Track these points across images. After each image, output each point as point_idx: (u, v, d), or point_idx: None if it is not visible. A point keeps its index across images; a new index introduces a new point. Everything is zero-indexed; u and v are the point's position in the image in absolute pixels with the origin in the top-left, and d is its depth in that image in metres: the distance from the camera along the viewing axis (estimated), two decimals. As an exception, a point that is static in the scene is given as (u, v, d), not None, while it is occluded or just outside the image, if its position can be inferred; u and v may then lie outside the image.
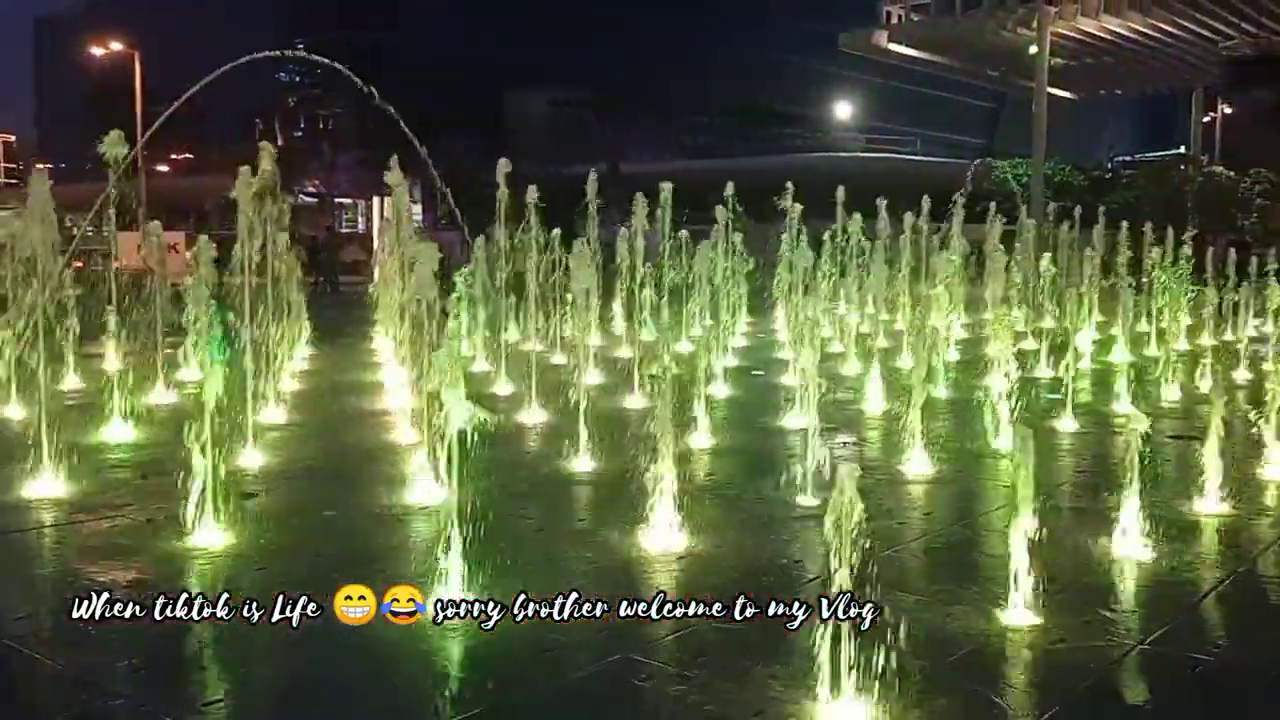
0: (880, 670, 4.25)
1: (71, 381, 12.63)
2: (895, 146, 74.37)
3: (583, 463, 8.78)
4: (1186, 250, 19.66)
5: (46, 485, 7.82)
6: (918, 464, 8.73)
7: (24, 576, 6.27)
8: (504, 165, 14.00)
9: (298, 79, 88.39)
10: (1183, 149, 57.57)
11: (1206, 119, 56.95)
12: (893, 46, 51.03)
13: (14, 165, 72.55)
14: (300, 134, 67.93)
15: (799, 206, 18.28)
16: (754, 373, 14.93)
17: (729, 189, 19.40)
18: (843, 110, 76.28)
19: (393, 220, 11.14)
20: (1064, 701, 4.49)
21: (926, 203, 21.50)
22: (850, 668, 4.20)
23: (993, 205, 22.12)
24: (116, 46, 52.81)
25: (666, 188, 18.60)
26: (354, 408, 11.92)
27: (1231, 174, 43.86)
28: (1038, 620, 5.24)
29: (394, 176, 9.99)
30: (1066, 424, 10.72)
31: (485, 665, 4.88)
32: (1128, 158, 58.44)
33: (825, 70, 77.04)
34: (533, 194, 14.70)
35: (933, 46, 51.05)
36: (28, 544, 6.88)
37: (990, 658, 4.93)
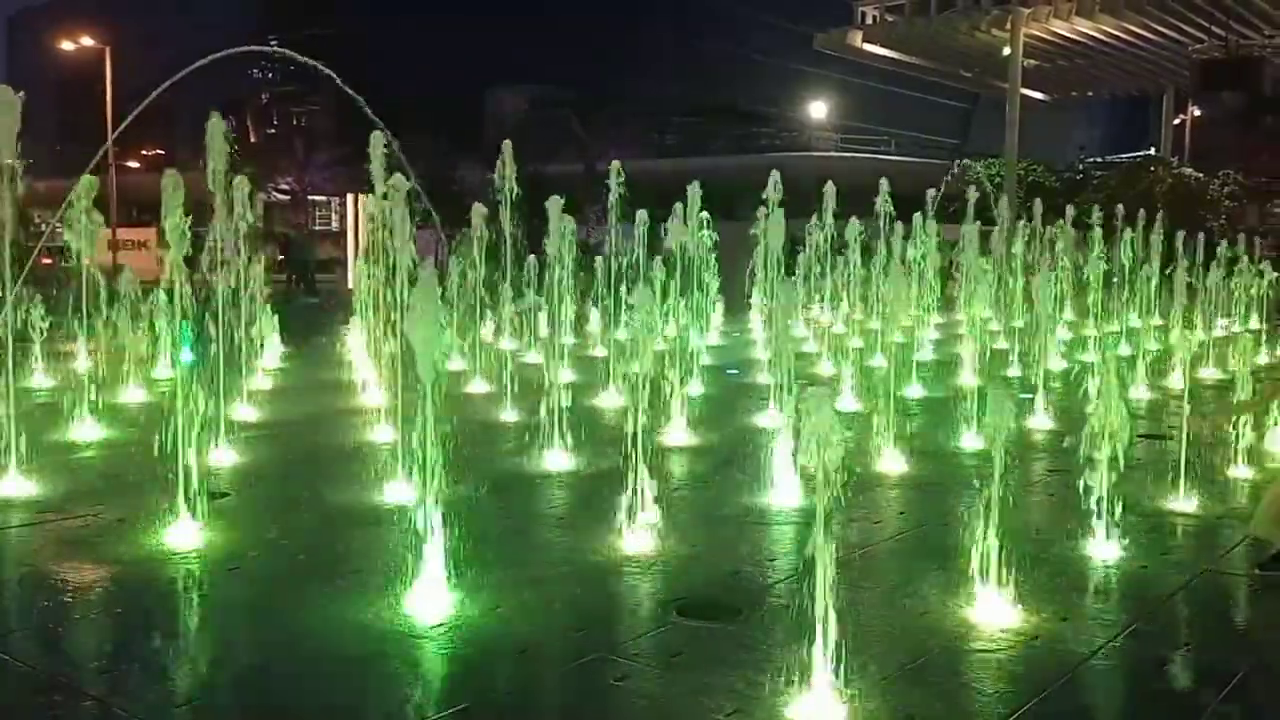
0: (854, 667, 4.30)
1: (41, 380, 12.54)
2: (869, 146, 74.64)
3: (558, 460, 8.79)
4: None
5: (16, 484, 7.75)
6: (890, 463, 8.79)
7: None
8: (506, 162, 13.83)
9: (270, 75, 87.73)
10: (1153, 150, 58.07)
11: (1176, 121, 57.50)
12: (867, 46, 51.21)
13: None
14: (273, 131, 67.40)
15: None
16: (728, 372, 14.98)
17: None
18: (818, 110, 76.49)
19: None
20: (1038, 697, 4.53)
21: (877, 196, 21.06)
22: (826, 665, 4.24)
23: (973, 193, 22.12)
24: (87, 42, 52.26)
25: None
26: (329, 407, 11.87)
27: (1200, 176, 44.33)
28: (1013, 617, 5.28)
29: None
30: (1038, 421, 10.82)
31: (463, 665, 4.87)
32: (1099, 159, 58.91)
33: (801, 70, 77.31)
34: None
35: (907, 47, 51.27)
36: (-3, 544, 6.81)
37: (965, 654, 4.96)
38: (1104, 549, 6.39)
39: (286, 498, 7.99)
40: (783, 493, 7.57)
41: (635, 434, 6.45)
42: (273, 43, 59.24)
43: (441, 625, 5.18)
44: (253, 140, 60.61)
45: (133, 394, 11.84)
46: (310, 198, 60.82)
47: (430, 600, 5.33)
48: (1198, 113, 56.97)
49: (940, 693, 4.54)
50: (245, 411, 10.78)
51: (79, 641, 5.08)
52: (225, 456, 8.85)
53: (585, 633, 5.22)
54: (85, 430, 9.87)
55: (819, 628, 4.22)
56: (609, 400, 11.72)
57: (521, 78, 77.88)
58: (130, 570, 6.06)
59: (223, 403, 9.16)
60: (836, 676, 4.28)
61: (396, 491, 7.40)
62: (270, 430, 10.48)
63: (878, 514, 7.53)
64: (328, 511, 7.40)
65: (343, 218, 53.22)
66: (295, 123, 65.78)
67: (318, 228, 59.78)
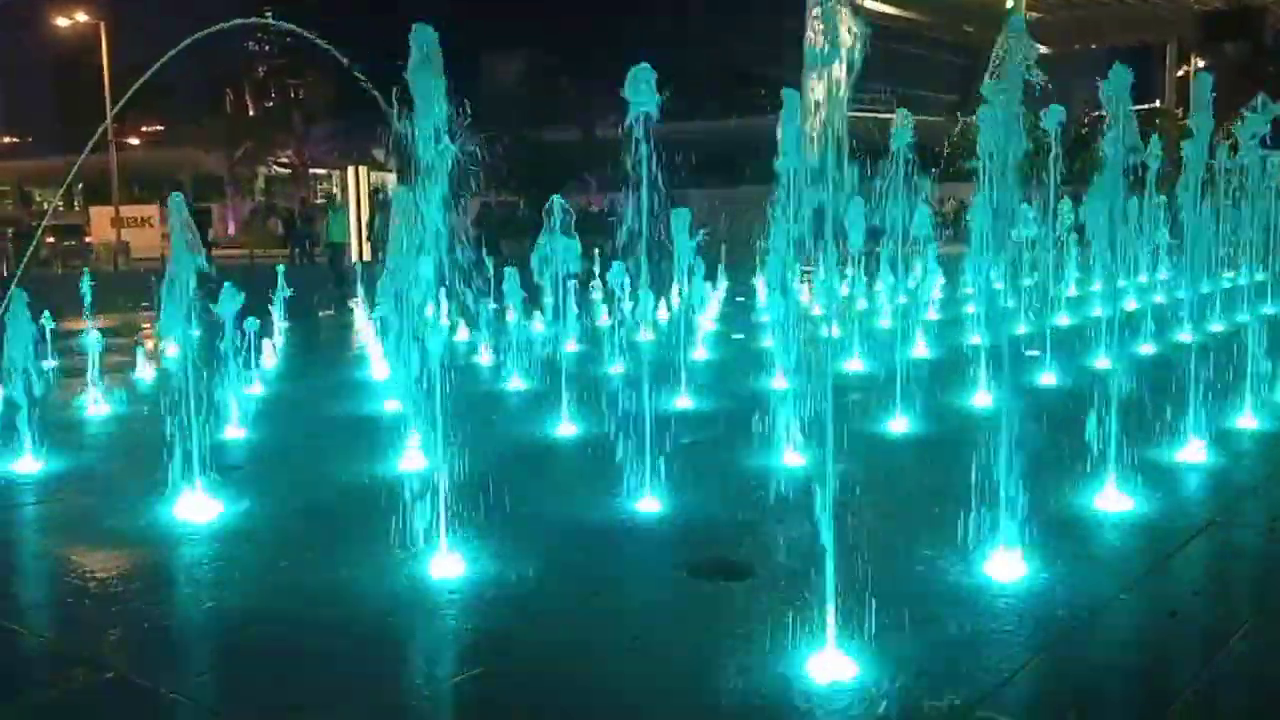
0: (865, 623, 4.35)
1: (49, 358, 12.58)
2: (871, 105, 74.09)
3: (565, 428, 8.83)
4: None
5: (28, 461, 7.80)
6: (899, 423, 8.81)
7: (7, 553, 6.27)
8: None
9: (267, 48, 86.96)
10: (1157, 103, 57.68)
11: (1180, 73, 57.08)
12: (867, 3, 50.78)
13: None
14: (271, 104, 66.97)
15: None
16: (734, 336, 15.00)
17: None
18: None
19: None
20: (1047, 648, 4.56)
21: None
22: (835, 620, 4.28)
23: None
24: (82, 17, 51.97)
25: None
26: (338, 379, 11.91)
27: (1205, 127, 44.04)
28: (1021, 569, 5.32)
29: None
30: (1045, 377, 10.82)
31: (477, 629, 4.91)
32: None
33: (799, 29, 76.52)
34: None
35: (908, 1, 50.88)
36: (9, 521, 6.87)
37: (973, 606, 4.99)
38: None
39: (299, 470, 8.04)
40: (793, 452, 7.60)
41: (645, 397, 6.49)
42: (268, 15, 58.78)
43: (455, 590, 5.23)
44: (252, 114, 60.34)
45: (144, 371, 11.89)
46: (312, 171, 60.62)
47: (443, 565, 5.39)
48: (1201, 65, 56.51)
49: (952, 646, 4.58)
50: (257, 386, 10.81)
51: (96, 615, 5.12)
52: (238, 430, 8.88)
53: (598, 594, 5.27)
54: (97, 406, 9.92)
55: (829, 585, 4.26)
56: (616, 368, 11.75)
57: (516, 42, 77.24)
58: (144, 543, 6.11)
59: (233, 377, 9.17)
60: (847, 633, 4.32)
61: (409, 459, 7.43)
62: (282, 403, 10.52)
63: (890, 471, 7.54)
64: (341, 481, 7.44)
65: (344, 190, 53.11)
66: (293, 95, 65.32)
67: (320, 201, 59.58)
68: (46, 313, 12.24)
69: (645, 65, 6.23)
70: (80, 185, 57.99)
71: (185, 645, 4.91)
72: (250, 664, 4.65)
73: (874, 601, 4.39)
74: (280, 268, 16.80)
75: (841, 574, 4.30)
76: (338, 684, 4.38)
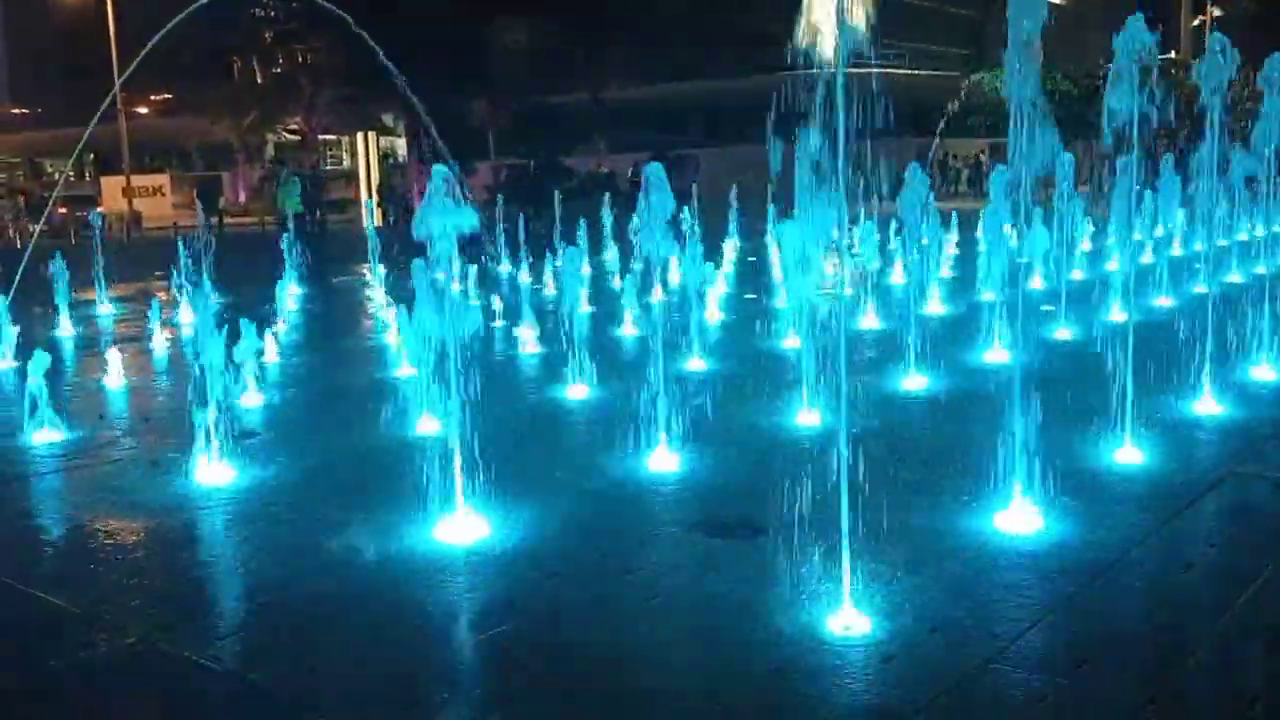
0: (880, 579, 4.36)
1: (65, 327, 12.64)
2: (882, 61, 73.20)
3: (578, 389, 8.84)
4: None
5: (47, 430, 7.86)
6: (913, 378, 8.80)
7: (30, 520, 6.33)
8: None
9: (273, 14, 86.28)
10: (1173, 54, 56.86)
11: (1196, 22, 56.25)
12: (877, -42, 50.13)
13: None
14: (279, 70, 66.48)
15: None
16: (746, 297, 14.94)
17: None
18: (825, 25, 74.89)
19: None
20: (1064, 601, 4.58)
21: None
22: (851, 578, 4.30)
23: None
24: (86, -13, 51.62)
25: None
26: (351, 345, 11.92)
27: (1223, 78, 43.40)
28: (1037, 522, 5.32)
29: None
30: (1059, 332, 10.78)
31: (496, 589, 4.95)
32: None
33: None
34: None
35: (918, -44, 50.14)
36: (32, 488, 6.93)
37: (991, 562, 5.00)
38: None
39: (316, 434, 8.07)
40: (805, 412, 7.60)
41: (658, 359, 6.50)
42: (272, -18, 58.38)
43: (474, 551, 5.26)
44: (260, 81, 60.00)
45: (159, 339, 11.93)
46: (320, 137, 60.33)
47: (461, 527, 5.43)
48: (1218, 13, 55.73)
49: (966, 601, 4.59)
50: (271, 351, 10.82)
51: (118, 581, 5.17)
52: (254, 396, 8.91)
53: (614, 554, 5.29)
54: (115, 376, 9.96)
55: (844, 542, 4.27)
56: (626, 329, 11.75)
57: (522, 8, 76.46)
58: (164, 509, 6.16)
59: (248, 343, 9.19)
60: (862, 588, 4.34)
61: (424, 423, 7.45)
62: (297, 369, 10.55)
63: (901, 428, 7.53)
64: (356, 445, 7.48)
65: (354, 156, 52.92)
66: (301, 61, 64.83)
67: (329, 167, 59.43)
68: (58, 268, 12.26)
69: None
70: (91, 156, 57.96)
71: (206, 611, 4.95)
72: (269, 628, 4.69)
73: (890, 555, 4.41)
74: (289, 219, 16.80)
75: (855, 530, 4.30)
76: (358, 645, 4.42)
